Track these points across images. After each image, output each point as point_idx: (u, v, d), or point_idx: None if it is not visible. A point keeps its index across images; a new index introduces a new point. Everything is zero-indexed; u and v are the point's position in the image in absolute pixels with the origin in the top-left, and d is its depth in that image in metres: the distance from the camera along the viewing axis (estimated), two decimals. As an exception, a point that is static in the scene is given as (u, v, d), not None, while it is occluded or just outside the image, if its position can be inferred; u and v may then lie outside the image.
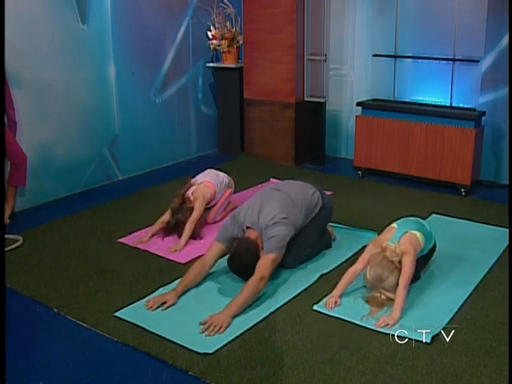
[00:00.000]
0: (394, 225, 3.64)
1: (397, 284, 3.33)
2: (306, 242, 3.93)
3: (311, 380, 2.73)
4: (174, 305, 3.39)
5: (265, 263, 3.46)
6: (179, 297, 3.46)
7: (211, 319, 3.16)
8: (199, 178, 4.71)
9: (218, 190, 4.67)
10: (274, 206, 3.73)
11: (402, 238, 3.49)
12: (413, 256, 3.40)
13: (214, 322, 3.13)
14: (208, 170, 4.86)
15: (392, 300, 3.31)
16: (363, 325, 3.17)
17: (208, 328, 3.11)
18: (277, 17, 6.19)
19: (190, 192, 4.50)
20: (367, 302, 3.40)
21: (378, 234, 4.10)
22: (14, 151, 4.74)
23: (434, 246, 3.81)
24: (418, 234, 3.55)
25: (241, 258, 3.56)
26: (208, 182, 4.63)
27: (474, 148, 5.35)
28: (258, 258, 3.54)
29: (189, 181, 4.63)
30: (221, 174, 4.84)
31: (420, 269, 3.70)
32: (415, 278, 3.62)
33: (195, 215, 4.36)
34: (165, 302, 3.38)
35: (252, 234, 3.67)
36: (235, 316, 3.23)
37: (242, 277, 3.56)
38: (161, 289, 3.58)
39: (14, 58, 4.78)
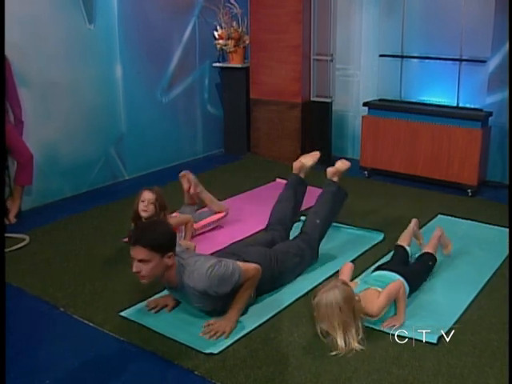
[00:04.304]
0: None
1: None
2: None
3: (317, 380, 2.73)
4: (176, 306, 3.38)
5: (244, 278, 3.19)
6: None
7: (213, 326, 3.12)
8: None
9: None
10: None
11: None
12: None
13: (214, 329, 3.09)
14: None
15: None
16: (369, 325, 3.16)
17: (208, 332, 3.08)
18: (283, 17, 6.19)
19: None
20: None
21: (384, 235, 4.10)
22: (20, 150, 4.75)
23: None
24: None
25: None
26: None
27: (481, 148, 5.33)
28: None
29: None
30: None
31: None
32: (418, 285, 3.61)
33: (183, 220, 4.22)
34: (166, 306, 3.38)
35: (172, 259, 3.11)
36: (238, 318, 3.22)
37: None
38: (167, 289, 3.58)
39: (21, 58, 4.80)
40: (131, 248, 3.01)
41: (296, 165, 4.22)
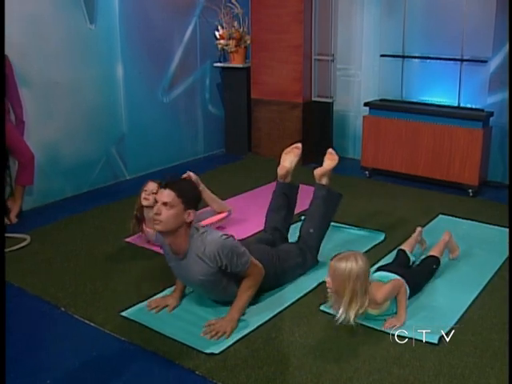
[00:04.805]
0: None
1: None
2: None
3: (318, 380, 2.73)
4: (176, 307, 3.38)
5: (249, 272, 3.25)
6: (181, 298, 3.44)
7: (214, 326, 3.12)
8: None
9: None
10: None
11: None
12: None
13: (215, 329, 3.09)
14: None
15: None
16: (370, 325, 3.16)
17: (209, 332, 3.08)
18: (284, 17, 6.19)
19: None
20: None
21: (385, 236, 4.11)
22: (21, 150, 4.75)
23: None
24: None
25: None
26: None
27: (482, 148, 5.33)
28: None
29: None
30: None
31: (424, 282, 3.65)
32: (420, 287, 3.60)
33: None
34: (167, 306, 3.37)
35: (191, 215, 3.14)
36: (239, 317, 3.21)
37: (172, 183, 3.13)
38: (168, 289, 3.58)
39: (22, 58, 4.80)
40: (159, 191, 3.10)
41: (281, 172, 3.98)
